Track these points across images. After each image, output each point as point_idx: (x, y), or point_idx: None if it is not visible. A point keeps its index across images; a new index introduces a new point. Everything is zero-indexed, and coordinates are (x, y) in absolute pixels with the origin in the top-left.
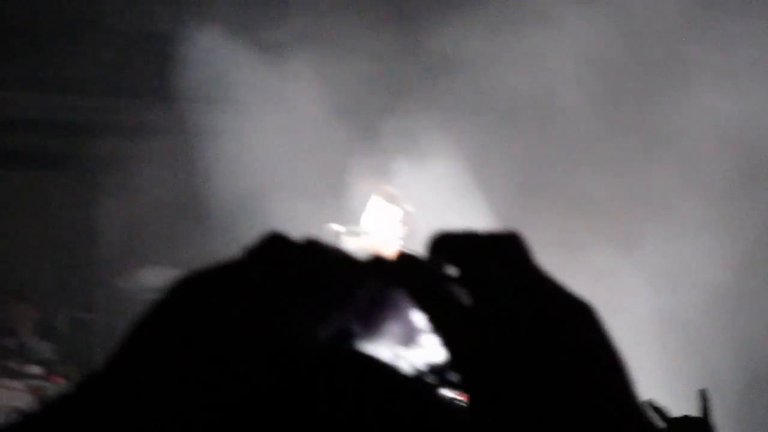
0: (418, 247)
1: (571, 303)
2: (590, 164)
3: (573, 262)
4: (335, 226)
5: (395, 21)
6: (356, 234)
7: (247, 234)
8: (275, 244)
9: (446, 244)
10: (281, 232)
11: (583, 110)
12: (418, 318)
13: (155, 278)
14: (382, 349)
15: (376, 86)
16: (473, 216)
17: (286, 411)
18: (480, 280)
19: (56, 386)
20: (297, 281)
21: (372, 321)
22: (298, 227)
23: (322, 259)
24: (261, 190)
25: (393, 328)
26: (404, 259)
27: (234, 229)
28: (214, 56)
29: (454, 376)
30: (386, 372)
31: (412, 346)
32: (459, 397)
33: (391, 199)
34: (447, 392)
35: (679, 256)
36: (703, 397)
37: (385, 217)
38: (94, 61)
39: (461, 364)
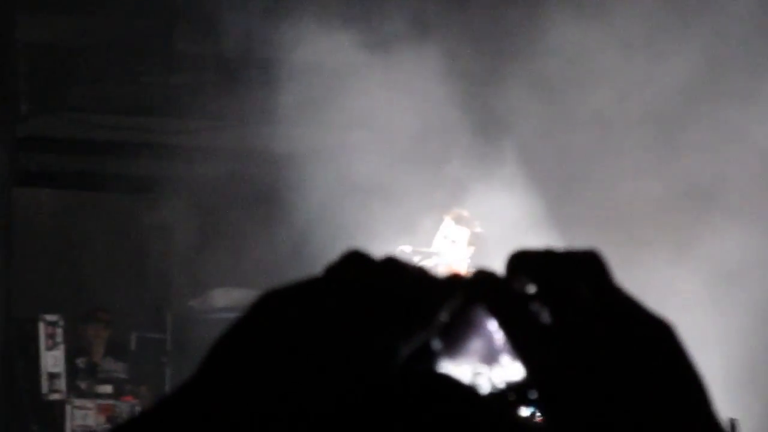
0: (489, 267)
1: (652, 322)
2: (645, 175)
3: (631, 277)
4: (405, 248)
5: (487, 43)
6: (426, 255)
7: (318, 256)
8: (355, 262)
9: (526, 262)
10: (361, 249)
11: (651, 127)
12: (498, 336)
13: (226, 299)
14: (463, 366)
15: (455, 107)
16: (540, 235)
17: (366, 430)
18: (560, 297)
19: (127, 406)
20: (377, 299)
21: (452, 339)
22: (375, 246)
23: (402, 277)
24: (335, 211)
25: (473, 345)
26: (484, 276)
27: (305, 253)
28: (297, 80)
29: (533, 394)
30: (466, 390)
31: (492, 364)
32: (538, 416)
33: (461, 220)
34: (526, 410)
35: (736, 261)
36: (732, 427)
37: (455, 239)
38: (171, 84)
39: (541, 382)
